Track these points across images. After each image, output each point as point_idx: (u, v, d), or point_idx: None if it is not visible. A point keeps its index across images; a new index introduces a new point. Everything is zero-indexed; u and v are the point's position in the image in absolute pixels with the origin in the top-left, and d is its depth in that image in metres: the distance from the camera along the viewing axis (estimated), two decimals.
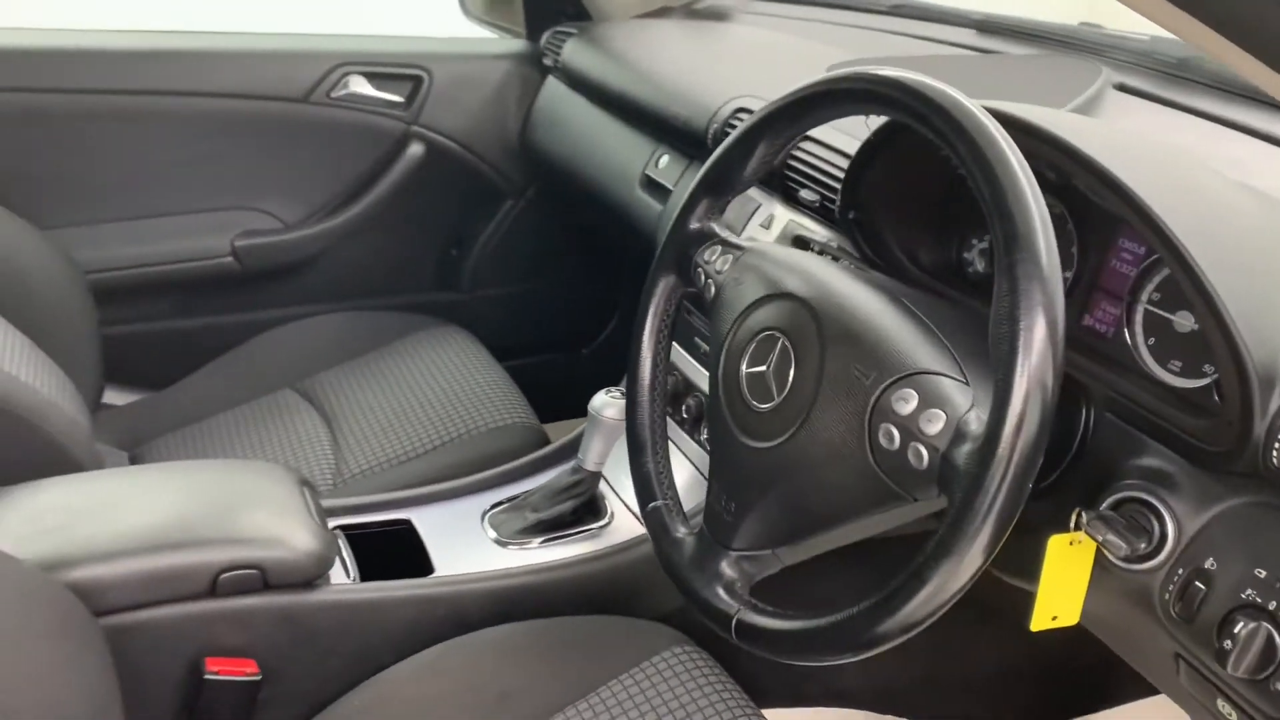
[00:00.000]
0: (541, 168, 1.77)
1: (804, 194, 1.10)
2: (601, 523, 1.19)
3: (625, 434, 0.91)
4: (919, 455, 0.65)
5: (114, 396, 1.63)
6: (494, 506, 1.22)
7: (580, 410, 1.83)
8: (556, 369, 1.95)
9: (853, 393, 0.69)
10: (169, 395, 1.59)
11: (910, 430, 0.65)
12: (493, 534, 1.18)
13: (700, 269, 0.87)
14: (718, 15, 1.77)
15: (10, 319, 1.36)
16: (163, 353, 1.67)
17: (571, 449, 1.27)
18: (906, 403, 0.66)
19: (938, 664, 1.34)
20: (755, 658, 1.01)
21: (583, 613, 1.11)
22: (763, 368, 0.76)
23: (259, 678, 0.98)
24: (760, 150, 0.84)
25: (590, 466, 1.17)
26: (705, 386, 1.07)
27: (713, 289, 0.85)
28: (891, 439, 0.66)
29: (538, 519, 1.18)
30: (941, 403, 0.65)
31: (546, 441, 1.44)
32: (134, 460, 1.45)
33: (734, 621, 0.76)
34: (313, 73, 1.64)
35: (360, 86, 1.67)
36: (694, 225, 0.89)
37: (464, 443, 1.39)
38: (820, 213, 1.08)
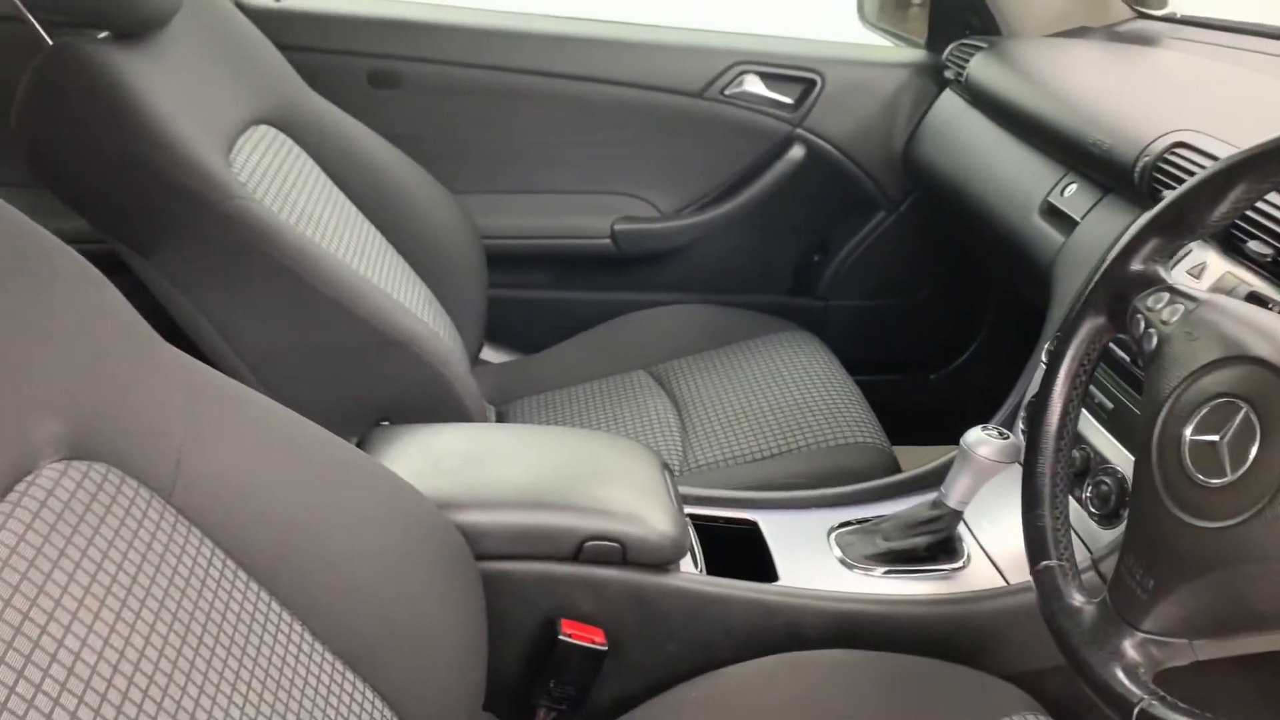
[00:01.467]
0: (922, 182, 1.71)
1: (1252, 245, 0.98)
2: (956, 565, 1.13)
3: (1021, 482, 0.85)
4: None
5: (489, 354, 1.76)
6: (842, 525, 1.19)
7: (925, 437, 1.77)
8: (903, 390, 1.89)
9: None
10: (537, 360, 1.69)
11: None
12: (838, 553, 1.15)
13: (1140, 316, 0.79)
14: (1143, 39, 1.62)
15: (419, 271, 1.50)
16: (537, 319, 1.78)
17: (929, 479, 1.22)
18: None
19: None
20: None
21: (925, 655, 1.05)
22: (1214, 437, 0.68)
23: (605, 648, 1.01)
24: (1236, 193, 0.74)
25: (953, 504, 1.11)
26: (1114, 460, 0.98)
27: (1154, 339, 0.77)
28: None
29: (888, 548, 1.14)
30: None
31: (895, 465, 1.39)
32: (500, 415, 1.55)
33: (1136, 711, 0.68)
34: (711, 68, 1.68)
35: (753, 85, 1.69)
36: (1136, 267, 0.81)
37: (811, 453, 1.37)
38: (1271, 269, 0.96)
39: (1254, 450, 0.65)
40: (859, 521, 1.19)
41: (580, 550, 1.01)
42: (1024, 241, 1.37)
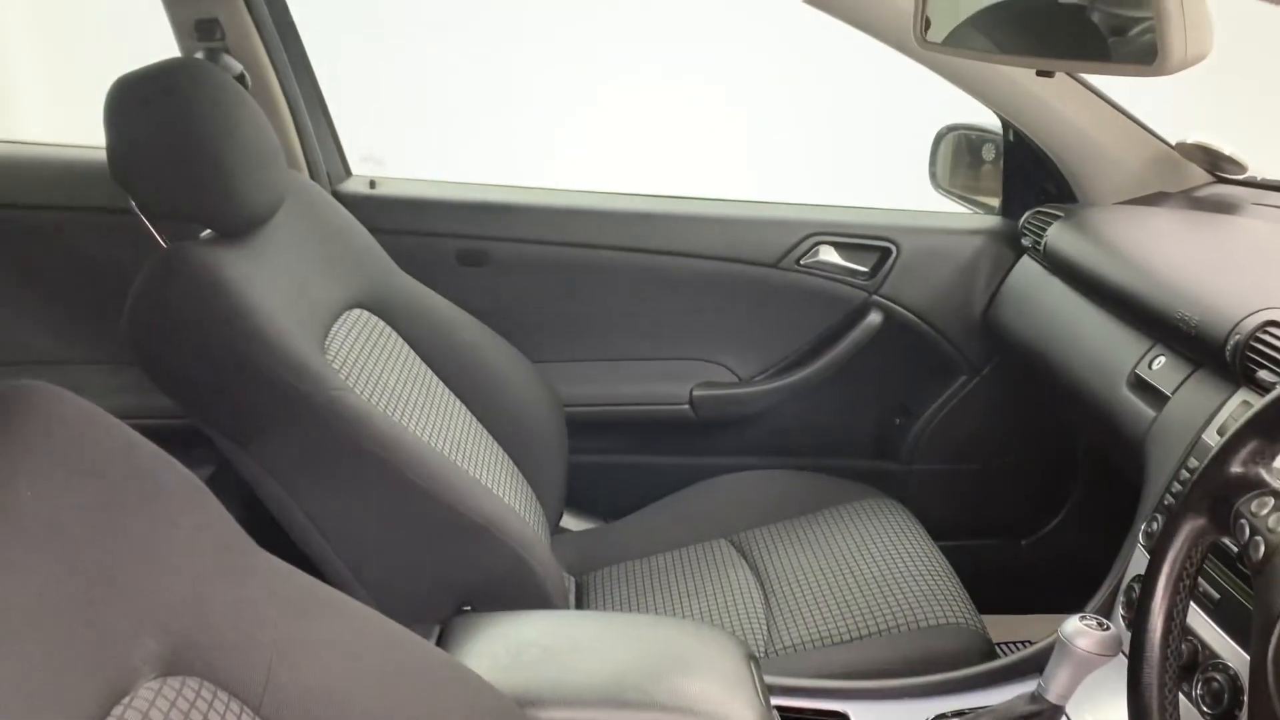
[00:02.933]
0: (1004, 347, 1.70)
1: None
2: None
3: (1127, 693, 0.81)
4: None
5: (569, 521, 1.76)
6: (937, 718, 1.14)
7: (1016, 605, 1.71)
8: (992, 555, 1.83)
9: None
10: (617, 528, 1.69)
11: None
12: None
13: (1244, 521, 0.76)
14: (1222, 206, 1.61)
15: (501, 441, 1.53)
16: (617, 485, 1.78)
17: (1026, 667, 1.17)
18: None
19: None
20: None
21: None
22: None
23: None
24: None
25: (1053, 698, 1.06)
26: (1225, 655, 0.93)
27: (1261, 548, 0.73)
28: None
29: None
30: None
31: (989, 648, 1.34)
32: (580, 586, 1.54)
33: None
34: (786, 240, 1.72)
35: (829, 255, 1.72)
36: (1237, 469, 0.78)
37: (900, 636, 1.33)
38: None
39: None
40: (955, 714, 1.14)
41: None
42: (1113, 413, 1.34)
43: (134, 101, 1.16)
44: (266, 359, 1.11)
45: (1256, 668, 0.70)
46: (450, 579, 1.18)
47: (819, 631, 1.35)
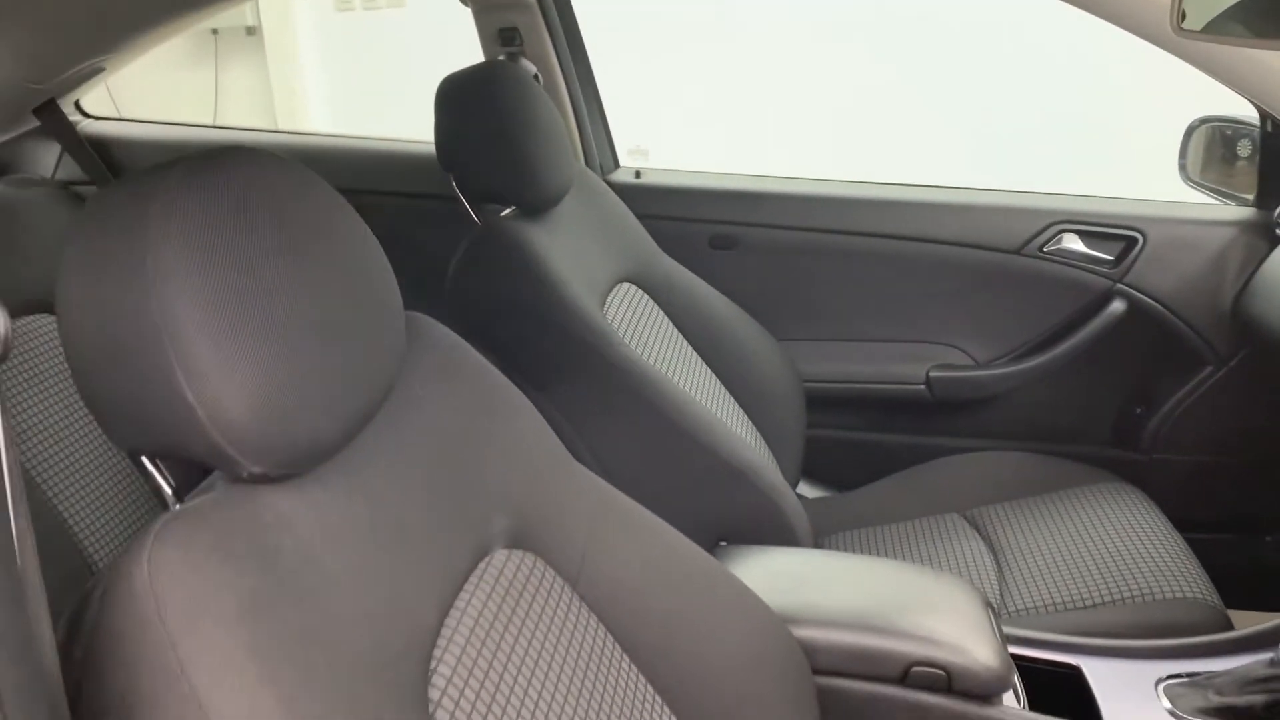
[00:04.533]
0: (1255, 338, 1.68)
1: None
2: None
3: None
4: None
5: (804, 489, 1.88)
6: (1170, 677, 1.19)
7: (1262, 601, 1.69)
8: (1237, 550, 1.80)
9: None
10: (852, 497, 1.79)
11: None
12: (1167, 704, 1.15)
13: None
14: None
15: (746, 410, 1.67)
16: (851, 459, 1.89)
17: (1267, 639, 1.20)
18: None
19: None
20: None
21: None
22: None
23: None
24: None
25: None
26: None
27: None
28: None
29: (1222, 703, 1.12)
30: None
31: (1229, 625, 1.36)
32: (818, 546, 1.65)
33: None
34: (1029, 227, 1.77)
35: (1072, 243, 1.75)
36: None
37: (1137, 606, 1.37)
38: None
39: None
40: (1189, 675, 1.19)
41: (907, 674, 1.08)
42: None
43: (459, 97, 1.38)
44: (563, 316, 1.30)
45: None
46: (710, 516, 1.33)
47: (1052, 597, 1.41)
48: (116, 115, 2.10)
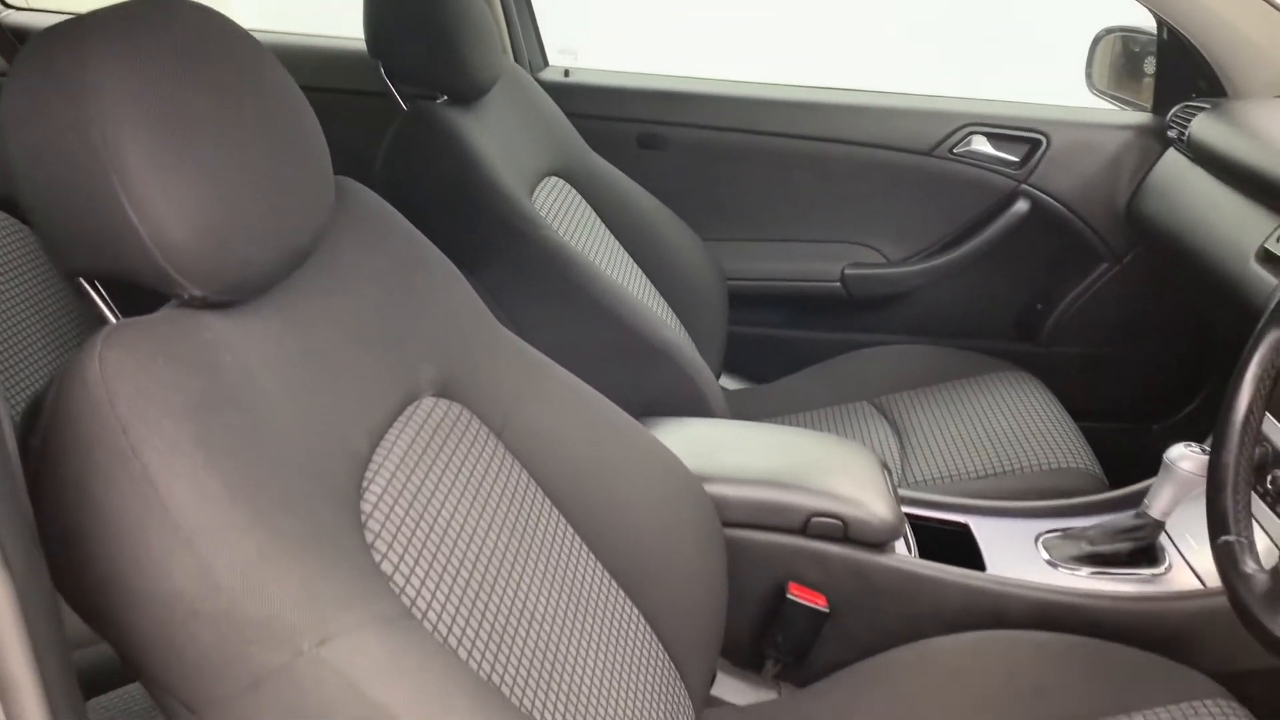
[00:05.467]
0: (1145, 237, 1.79)
1: None
2: (1156, 570, 1.22)
3: (1207, 470, 0.96)
4: None
5: (725, 382, 1.96)
6: (1049, 532, 1.31)
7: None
8: (1124, 439, 1.94)
9: None
10: (769, 389, 1.88)
11: None
12: (1045, 555, 1.27)
13: None
14: None
15: (672, 305, 1.74)
16: (770, 354, 1.98)
17: (1135, 499, 1.31)
18: None
19: None
20: None
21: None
22: None
23: (827, 610, 1.18)
24: None
25: (1156, 514, 1.21)
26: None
27: None
28: None
29: (1093, 551, 1.24)
30: None
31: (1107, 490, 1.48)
32: None
33: None
34: (940, 129, 1.85)
35: (981, 145, 1.84)
36: None
37: (1023, 475, 1.48)
38: None
39: None
40: (1065, 530, 1.30)
41: (807, 525, 1.18)
42: (1241, 287, 1.44)
43: None
44: (491, 199, 1.35)
45: None
46: (632, 393, 1.40)
47: (948, 470, 1.51)
48: (41, 8, 2.07)
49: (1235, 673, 1.14)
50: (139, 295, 0.65)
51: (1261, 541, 1.18)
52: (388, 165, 1.39)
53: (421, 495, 0.80)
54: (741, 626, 1.21)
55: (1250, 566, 0.88)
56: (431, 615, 0.73)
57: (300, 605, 0.59)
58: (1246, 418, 0.95)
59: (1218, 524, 0.92)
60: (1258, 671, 1.15)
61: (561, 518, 0.98)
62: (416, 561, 0.75)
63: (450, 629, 0.74)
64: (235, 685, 0.58)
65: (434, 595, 0.74)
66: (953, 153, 1.85)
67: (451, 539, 0.81)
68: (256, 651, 0.57)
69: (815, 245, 1.97)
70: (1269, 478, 1.10)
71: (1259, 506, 1.12)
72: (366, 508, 0.74)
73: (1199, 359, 1.90)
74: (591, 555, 0.99)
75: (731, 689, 1.19)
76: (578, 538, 0.98)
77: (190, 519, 0.57)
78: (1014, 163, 1.85)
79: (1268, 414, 1.12)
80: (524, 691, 0.77)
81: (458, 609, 0.76)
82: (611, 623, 0.96)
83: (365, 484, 0.76)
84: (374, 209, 0.94)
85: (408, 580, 0.72)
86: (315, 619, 0.59)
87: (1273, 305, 0.95)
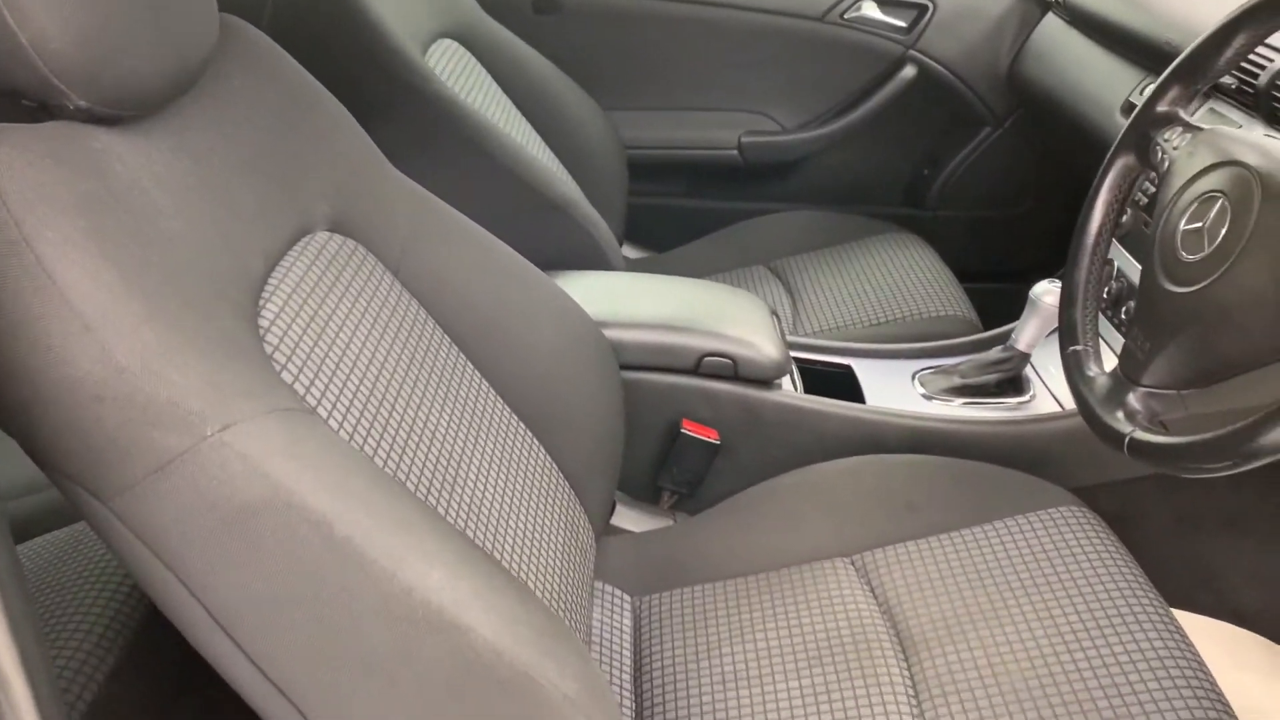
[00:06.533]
0: (1025, 99, 1.86)
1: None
2: (1021, 398, 1.32)
3: (1061, 287, 1.04)
4: None
5: (627, 251, 2.00)
6: (925, 369, 1.39)
7: None
8: (1007, 297, 2.03)
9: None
10: (669, 256, 1.93)
11: None
12: (921, 389, 1.36)
13: (1159, 146, 0.97)
14: None
15: (571, 173, 1.76)
16: (670, 222, 2.02)
17: (1003, 336, 1.40)
18: None
19: None
20: (1149, 552, 1.09)
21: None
22: (1199, 224, 0.86)
23: (718, 444, 1.25)
24: (1238, 41, 0.92)
25: (1021, 347, 1.30)
26: (1126, 270, 1.14)
27: (1167, 162, 0.95)
28: None
29: (963, 383, 1.33)
30: None
31: None
32: None
33: (1127, 440, 0.87)
34: None
35: (871, 10, 1.88)
36: (1161, 109, 0.98)
37: (905, 323, 1.56)
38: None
39: (1224, 230, 0.83)
40: (939, 366, 1.39)
41: (699, 365, 1.24)
42: (1108, 139, 1.51)
43: None
44: (383, 55, 1.34)
45: (1149, 245, 0.92)
46: (533, 249, 1.43)
47: (837, 321, 1.59)
48: None
49: (1088, 486, 1.25)
50: (19, 119, 0.65)
51: (1107, 356, 1.29)
52: (276, 18, 1.37)
53: (319, 318, 0.83)
54: (639, 461, 1.27)
55: (1093, 370, 0.96)
56: (334, 421, 0.76)
57: (203, 393, 0.61)
58: (1096, 240, 1.03)
59: (1068, 335, 1.01)
60: (1106, 485, 1.26)
61: (461, 354, 1.01)
62: (316, 374, 0.78)
63: (353, 433, 0.77)
64: (140, 469, 0.60)
65: (335, 404, 0.77)
66: (844, 18, 1.89)
67: (350, 359, 0.83)
68: (160, 435, 0.60)
69: (712, 114, 2.00)
70: (1123, 309, 1.20)
71: (1108, 329, 1.22)
72: (264, 323, 0.76)
73: (1076, 219, 1.99)
74: (491, 390, 1.03)
75: (630, 519, 1.26)
76: (478, 374, 1.02)
77: (88, 306, 0.59)
78: (902, 28, 1.89)
79: (1124, 250, 1.22)
80: (427, 490, 0.82)
81: (359, 418, 0.79)
82: (513, 448, 1.01)
83: (262, 302, 0.78)
84: (263, 47, 0.94)
85: (308, 390, 0.75)
86: (218, 405, 0.62)
87: (1120, 134, 1.02)
